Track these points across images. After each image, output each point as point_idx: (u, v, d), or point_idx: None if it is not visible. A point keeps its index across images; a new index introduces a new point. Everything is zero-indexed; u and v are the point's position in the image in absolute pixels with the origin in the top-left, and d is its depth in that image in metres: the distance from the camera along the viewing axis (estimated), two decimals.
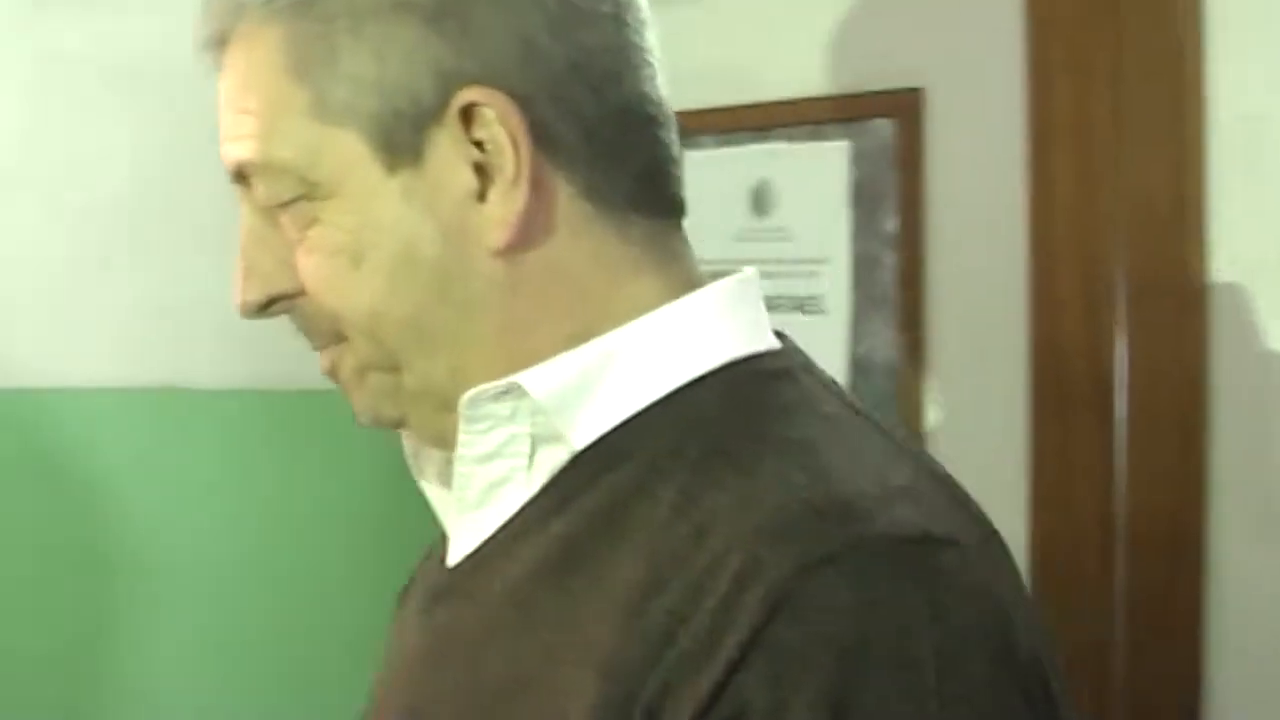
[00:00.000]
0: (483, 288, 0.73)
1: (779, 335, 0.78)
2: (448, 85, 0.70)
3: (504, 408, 0.72)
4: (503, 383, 0.72)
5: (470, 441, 0.73)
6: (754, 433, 0.70)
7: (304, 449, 1.90)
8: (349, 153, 0.72)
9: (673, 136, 0.76)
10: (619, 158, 0.73)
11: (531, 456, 0.73)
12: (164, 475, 1.82)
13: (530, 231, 0.71)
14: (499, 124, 0.70)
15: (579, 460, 0.73)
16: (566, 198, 0.72)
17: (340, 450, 1.87)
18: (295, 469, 1.90)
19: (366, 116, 0.71)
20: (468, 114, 0.70)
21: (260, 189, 0.75)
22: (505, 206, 0.71)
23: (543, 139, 0.71)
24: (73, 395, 1.76)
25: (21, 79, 1.75)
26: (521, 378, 0.72)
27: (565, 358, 0.72)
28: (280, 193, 0.74)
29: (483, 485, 0.74)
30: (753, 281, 0.78)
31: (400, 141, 0.71)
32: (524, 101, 0.70)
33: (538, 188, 0.71)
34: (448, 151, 0.71)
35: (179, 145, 1.69)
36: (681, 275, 0.76)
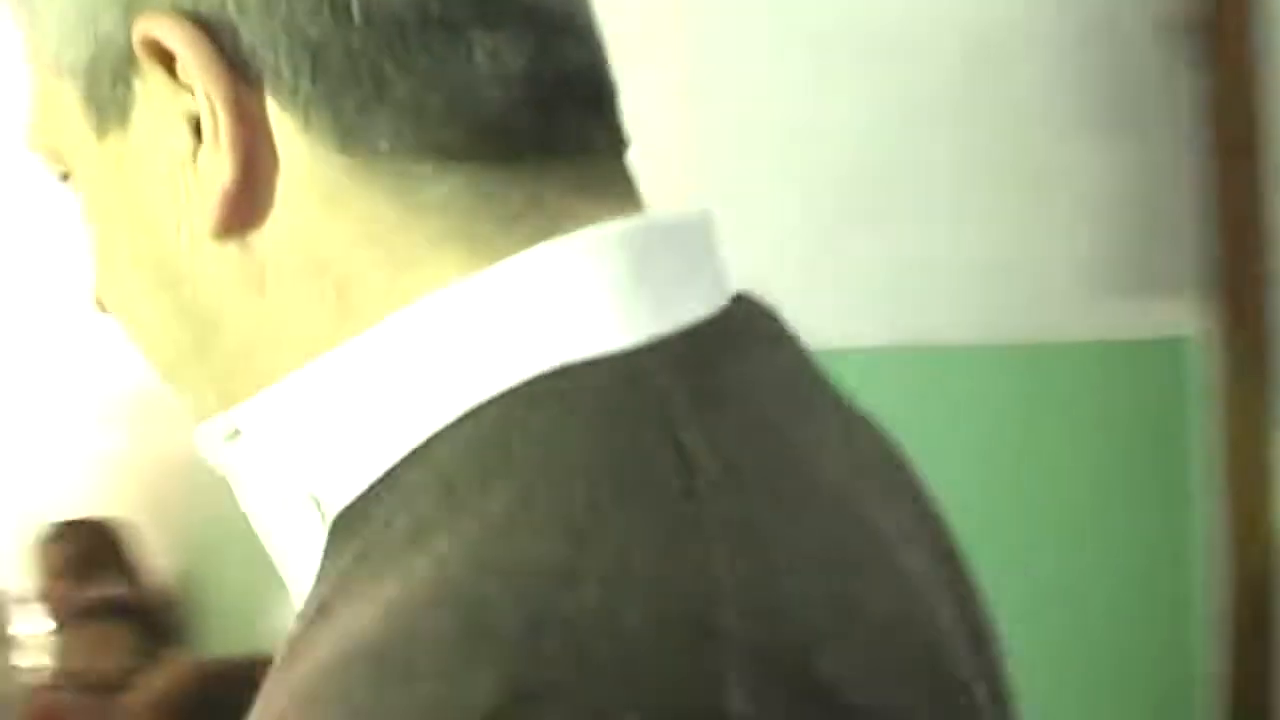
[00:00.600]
0: (219, 287, 0.51)
1: (741, 304, 0.53)
2: (128, 15, 0.50)
3: (250, 446, 0.53)
4: (222, 419, 0.53)
5: (242, 486, 0.54)
6: (469, 495, 0.46)
7: (1046, 404, 1.91)
8: (68, 113, 0.53)
9: (508, 36, 0.49)
10: (388, 88, 0.48)
11: (322, 511, 0.51)
12: (917, 434, 1.89)
13: (260, 205, 0.50)
14: (191, 62, 0.49)
15: (338, 524, 0.51)
16: (310, 154, 0.49)
17: (1080, 405, 1.87)
18: (1039, 424, 1.92)
19: (72, 64, 0.52)
20: (165, 54, 0.49)
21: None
22: (211, 175, 0.49)
23: (259, 76, 0.48)
24: (825, 356, 1.88)
25: (770, 49, 1.88)
26: (239, 412, 0.52)
27: (296, 378, 0.51)
28: (49, 165, 0.57)
29: (282, 540, 0.54)
30: (649, 233, 0.50)
31: (103, 95, 0.52)
32: (217, 26, 0.48)
33: (259, 144, 0.49)
34: (153, 105, 0.50)
35: (917, 114, 1.77)
36: (518, 238, 0.49)
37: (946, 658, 0.48)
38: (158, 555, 2.70)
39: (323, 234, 0.49)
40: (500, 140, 0.49)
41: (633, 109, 0.54)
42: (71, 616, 2.47)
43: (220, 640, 2.48)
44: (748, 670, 0.40)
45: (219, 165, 0.49)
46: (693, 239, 0.52)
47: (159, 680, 1.67)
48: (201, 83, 0.48)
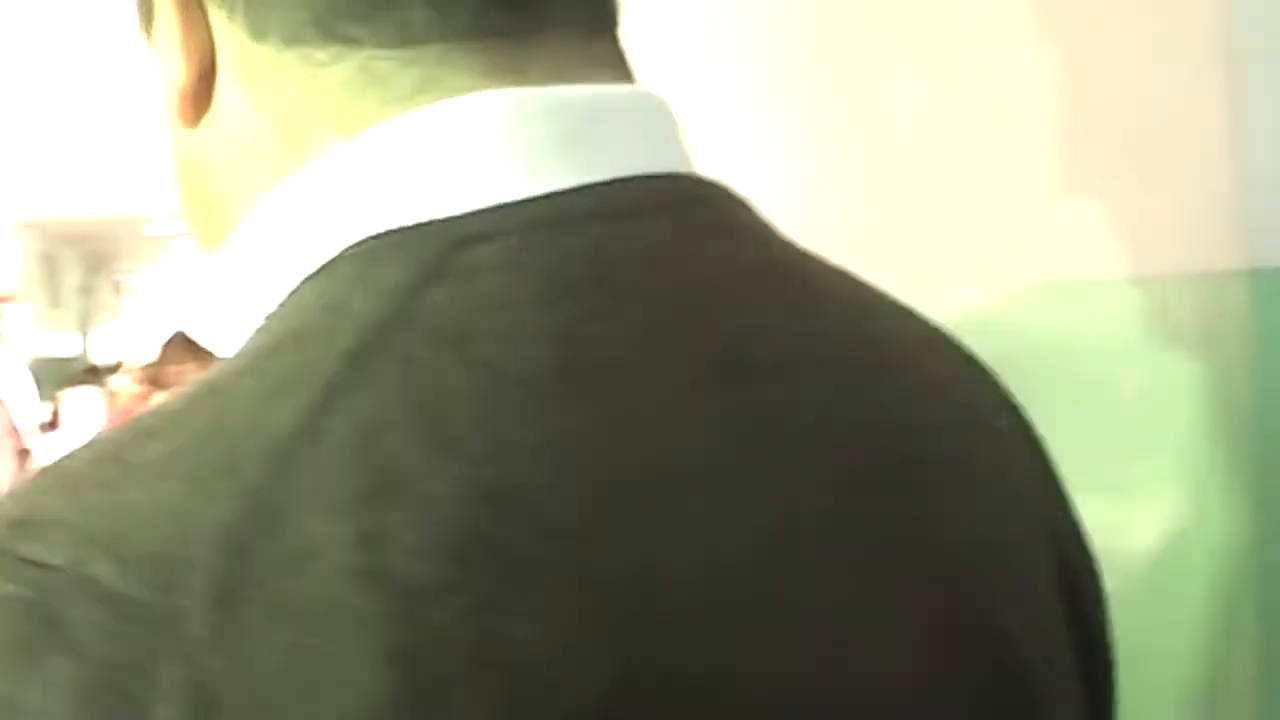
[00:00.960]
0: (202, 171, 0.55)
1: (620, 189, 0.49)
2: None
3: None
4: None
5: None
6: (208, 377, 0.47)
7: None
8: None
9: None
10: None
11: None
12: None
13: (209, 96, 0.53)
14: None
15: None
16: (238, 45, 0.52)
17: None
18: None
19: None
20: None
21: None
22: (172, 73, 0.53)
23: None
24: None
25: None
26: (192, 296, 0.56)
27: (216, 257, 0.54)
28: None
29: None
30: (521, 104, 0.48)
31: (138, 4, 0.56)
32: None
33: (203, 41, 0.52)
34: (159, 10, 0.54)
35: None
36: (391, 116, 0.49)
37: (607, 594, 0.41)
38: None
39: (252, 119, 0.52)
40: (392, 26, 0.49)
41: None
42: None
43: None
44: (239, 546, 0.39)
45: (176, 63, 0.52)
46: (591, 112, 0.49)
47: None
48: None
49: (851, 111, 2.15)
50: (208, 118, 0.53)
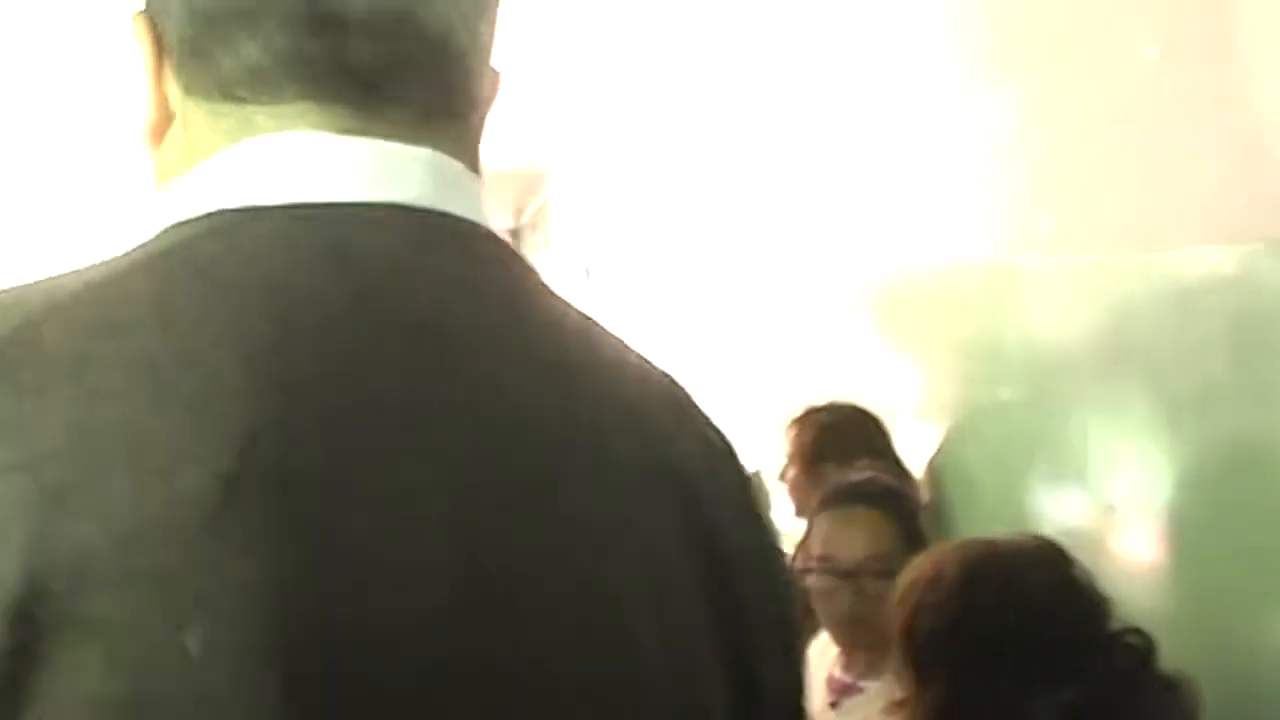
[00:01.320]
0: (159, 170, 0.78)
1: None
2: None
3: None
4: None
5: None
6: None
7: None
8: None
9: (277, 26, 0.72)
10: (211, 58, 0.74)
11: None
12: None
13: (165, 128, 0.77)
14: (137, 39, 0.77)
15: None
16: (180, 97, 0.76)
17: None
18: None
19: None
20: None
21: None
22: (145, 109, 0.77)
23: (168, 48, 0.76)
24: None
25: None
26: None
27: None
28: None
29: None
30: (316, 144, 0.72)
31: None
32: (152, 16, 0.76)
33: (164, 91, 0.76)
34: (142, 62, 0.77)
35: None
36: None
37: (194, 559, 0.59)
38: (904, 441, 2.80)
39: (181, 148, 0.75)
40: (269, 93, 0.72)
41: None
42: (830, 500, 2.34)
43: (967, 524, 2.51)
44: (4, 341, 0.63)
45: (148, 105, 0.76)
46: (391, 159, 0.72)
47: (947, 564, 1.62)
48: (141, 52, 0.76)
49: (1086, 72, 2.16)
50: (166, 139, 0.77)
